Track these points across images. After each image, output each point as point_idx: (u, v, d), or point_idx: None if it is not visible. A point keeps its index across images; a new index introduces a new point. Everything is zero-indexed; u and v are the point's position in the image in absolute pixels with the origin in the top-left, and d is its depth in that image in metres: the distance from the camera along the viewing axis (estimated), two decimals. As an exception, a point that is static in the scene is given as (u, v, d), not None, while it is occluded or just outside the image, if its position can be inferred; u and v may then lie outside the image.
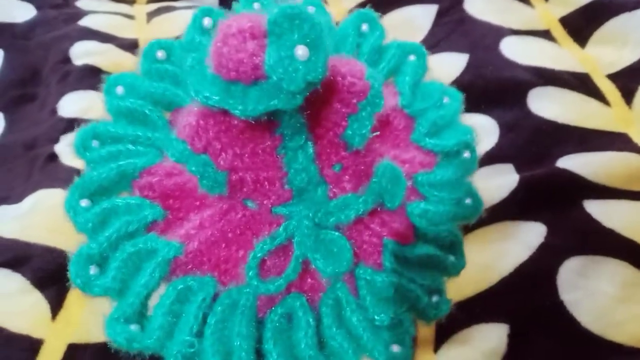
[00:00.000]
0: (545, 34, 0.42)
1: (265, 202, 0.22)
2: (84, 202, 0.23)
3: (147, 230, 0.23)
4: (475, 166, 0.27)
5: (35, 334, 0.26)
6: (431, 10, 0.44)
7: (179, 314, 0.21)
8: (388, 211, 0.23)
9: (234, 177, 0.21)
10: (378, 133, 0.24)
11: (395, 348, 0.20)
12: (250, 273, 0.21)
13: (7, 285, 0.28)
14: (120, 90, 0.26)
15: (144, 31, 0.44)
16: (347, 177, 0.23)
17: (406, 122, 0.27)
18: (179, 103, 0.25)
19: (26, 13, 0.46)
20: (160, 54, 0.27)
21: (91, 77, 0.40)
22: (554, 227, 0.31)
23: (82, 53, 0.41)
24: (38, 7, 0.47)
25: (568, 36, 0.42)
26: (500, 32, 0.42)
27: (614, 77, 0.39)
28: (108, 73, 0.40)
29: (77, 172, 0.33)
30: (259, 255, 0.21)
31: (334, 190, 0.22)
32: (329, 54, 0.19)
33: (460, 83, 0.39)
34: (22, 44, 0.44)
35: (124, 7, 0.48)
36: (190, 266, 0.22)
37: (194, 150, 0.21)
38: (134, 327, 0.21)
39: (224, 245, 0.22)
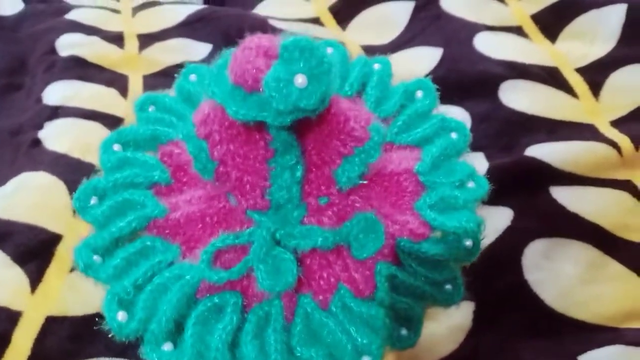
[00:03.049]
0: (518, 30, 0.44)
1: (243, 202, 0.23)
2: (116, 147, 0.26)
3: (150, 187, 0.25)
4: (472, 258, 0.26)
5: (14, 306, 0.27)
6: (408, 6, 0.45)
7: (134, 263, 0.23)
8: (355, 259, 0.24)
9: (221, 169, 0.23)
10: (365, 182, 0.24)
11: None
12: (203, 257, 0.23)
13: (-12, 261, 0.29)
14: (193, 77, 0.29)
15: (129, 24, 0.46)
16: (329, 212, 0.24)
17: (416, 188, 0.26)
18: None
19: (14, 6, 0.47)
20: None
21: (76, 67, 0.41)
22: (520, 211, 0.32)
23: (68, 44, 0.42)
24: (26, 1, 0.48)
25: (539, 32, 0.44)
26: (475, 28, 0.43)
27: (582, 71, 0.41)
28: (93, 64, 0.42)
29: (59, 155, 0.35)
30: (217, 245, 0.23)
31: (311, 219, 0.23)
32: (332, 92, 0.21)
33: (434, 76, 0.40)
34: (10, 35, 0.45)
35: (110, 2, 0.49)
36: (166, 231, 0.24)
37: (197, 134, 0.23)
38: (96, 258, 0.23)
39: (200, 226, 0.24)
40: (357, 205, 0.24)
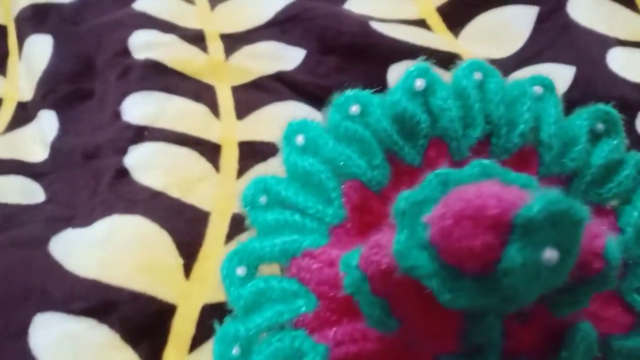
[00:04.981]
0: (655, 47, 0.38)
1: (429, 348, 0.19)
2: (240, 270, 0.21)
3: (297, 322, 0.20)
4: None
5: (132, 401, 0.23)
6: (531, 13, 0.39)
7: None
8: None
9: (406, 326, 0.18)
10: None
11: None
12: None
13: (94, 339, 0.24)
14: (300, 140, 0.23)
15: (209, 20, 0.40)
16: (530, 330, 0.19)
17: None
18: (358, 176, 0.22)
19: (73, -8, 0.41)
20: (355, 109, 0.23)
21: (157, 74, 0.35)
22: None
23: (143, 45, 0.37)
24: (84, -16, 0.42)
25: (680, 50, 0.38)
26: (607, 43, 0.38)
27: None
28: (174, 71, 0.36)
29: (154, 193, 0.30)
30: None
31: (510, 344, 0.19)
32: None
33: (568, 99, 0.35)
34: (70, 29, 0.39)
35: (179, -12, 0.43)
36: None
37: (373, 290, 0.17)
38: None
39: None
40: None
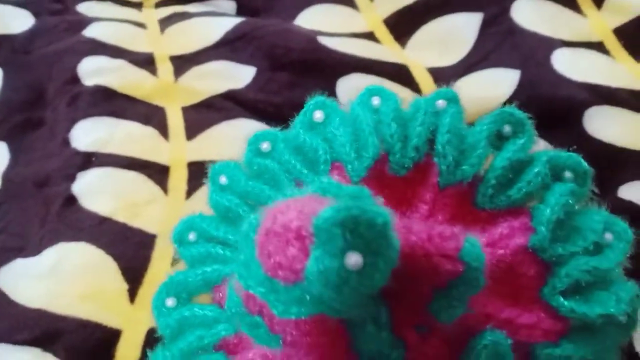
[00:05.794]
0: (599, 46, 0.39)
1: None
2: (170, 302, 0.23)
3: (219, 345, 0.22)
4: (628, 336, 0.21)
5: None
6: (476, 19, 0.40)
7: None
8: None
9: (289, 338, 0.19)
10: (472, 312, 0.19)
11: None
12: None
13: (38, 369, 0.24)
14: (223, 180, 0.25)
15: (159, 44, 0.40)
16: (434, 341, 0.19)
17: (537, 269, 0.21)
18: None
19: (23, 22, 0.41)
20: (265, 146, 0.25)
21: (105, 100, 0.35)
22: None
23: (92, 71, 0.37)
24: (36, 14, 0.42)
25: (623, 49, 0.39)
26: (551, 44, 0.38)
27: (676, 96, 0.36)
28: (123, 95, 0.36)
29: (101, 219, 0.30)
30: None
31: (413, 355, 0.19)
32: (395, 258, 0.16)
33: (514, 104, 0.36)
34: (21, 59, 0.39)
35: (131, 13, 0.44)
36: None
37: (248, 310, 0.19)
38: None
39: None
40: (470, 320, 0.20)
